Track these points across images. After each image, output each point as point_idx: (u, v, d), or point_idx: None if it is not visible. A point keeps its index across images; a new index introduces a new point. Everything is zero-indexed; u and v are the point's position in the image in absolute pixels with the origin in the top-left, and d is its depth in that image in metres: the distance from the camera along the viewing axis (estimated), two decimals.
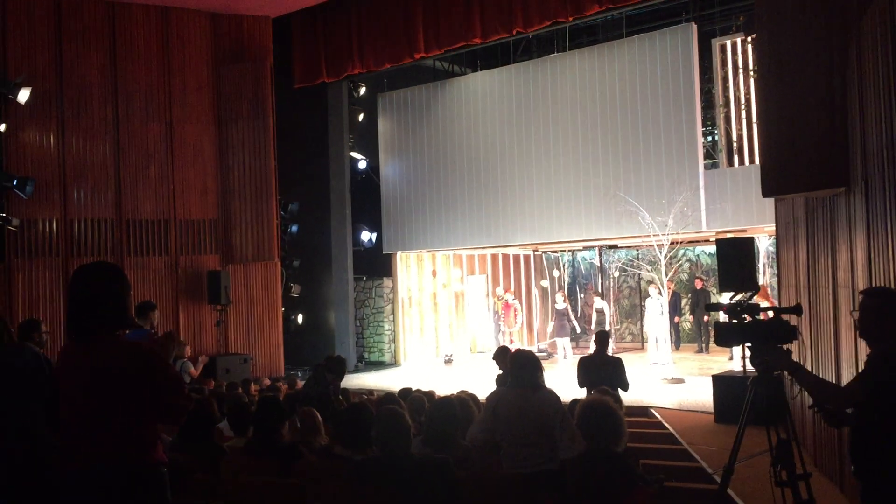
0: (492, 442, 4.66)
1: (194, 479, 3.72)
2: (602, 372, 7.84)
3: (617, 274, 18.92)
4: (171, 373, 3.00)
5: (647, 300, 14.90)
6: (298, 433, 5.06)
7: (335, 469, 4.30)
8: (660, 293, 14.86)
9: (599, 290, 18.30)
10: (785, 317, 4.07)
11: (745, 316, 4.09)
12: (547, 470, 4.40)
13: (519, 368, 4.76)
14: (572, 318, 16.29)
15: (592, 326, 15.50)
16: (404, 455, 3.92)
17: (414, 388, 9.03)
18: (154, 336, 3.26)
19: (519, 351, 5.07)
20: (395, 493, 3.65)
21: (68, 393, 2.86)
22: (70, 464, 2.82)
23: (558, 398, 4.65)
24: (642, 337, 17.56)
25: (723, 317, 4.33)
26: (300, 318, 15.99)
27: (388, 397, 6.33)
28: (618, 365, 8.02)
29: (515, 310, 16.85)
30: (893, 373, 3.36)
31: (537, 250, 19.46)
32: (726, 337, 4.22)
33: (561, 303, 15.90)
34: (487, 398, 4.91)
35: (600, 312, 15.89)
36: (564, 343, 15.73)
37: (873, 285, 4.84)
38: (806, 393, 3.66)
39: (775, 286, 11.68)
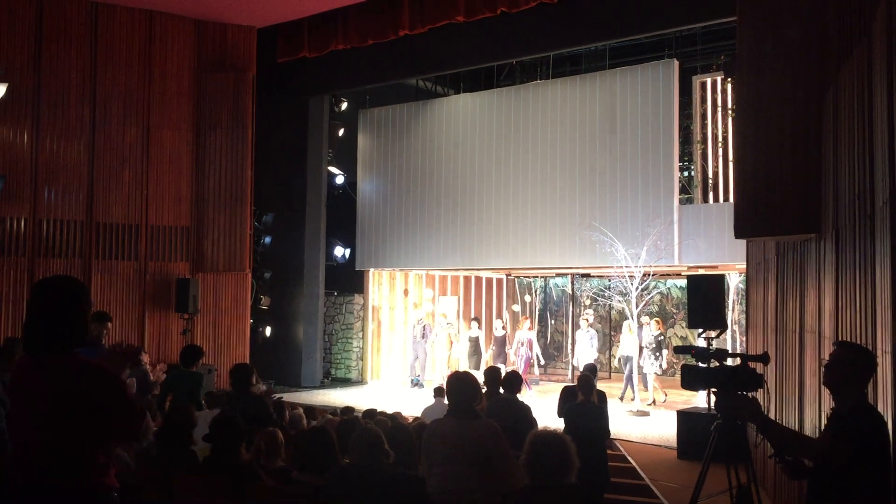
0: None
1: (145, 500, 3.64)
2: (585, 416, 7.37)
3: (588, 302, 18.96)
4: (127, 392, 2.93)
5: (578, 332, 14.64)
6: (256, 454, 4.98)
7: (293, 494, 4.23)
8: (590, 326, 14.82)
9: (475, 315, 17.48)
10: (752, 364, 4.08)
11: (713, 361, 4.10)
12: None
13: (451, 394, 4.42)
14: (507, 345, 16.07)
15: (572, 355, 15.26)
16: (378, 469, 3.97)
17: (379, 409, 8.98)
18: (109, 349, 3.18)
19: (454, 374, 4.67)
20: None
21: (24, 412, 2.77)
22: (17, 484, 2.74)
23: (497, 428, 4.33)
24: (610, 367, 17.58)
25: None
26: (268, 331, 15.84)
27: (349, 420, 6.24)
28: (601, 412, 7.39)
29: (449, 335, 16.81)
30: (867, 427, 3.39)
31: (510, 275, 19.47)
32: (692, 381, 4.22)
33: (500, 330, 15.61)
34: (424, 436, 4.53)
35: (474, 341, 15.59)
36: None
37: (840, 334, 4.88)
38: (767, 443, 3.66)
39: (743, 323, 11.77)
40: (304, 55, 15.12)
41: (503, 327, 15.87)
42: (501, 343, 15.40)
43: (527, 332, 15.27)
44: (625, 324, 14.43)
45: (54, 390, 2.76)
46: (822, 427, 3.92)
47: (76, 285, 3.00)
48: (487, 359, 15.36)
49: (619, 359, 14.32)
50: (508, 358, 15.33)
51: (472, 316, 16.76)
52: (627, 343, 14.01)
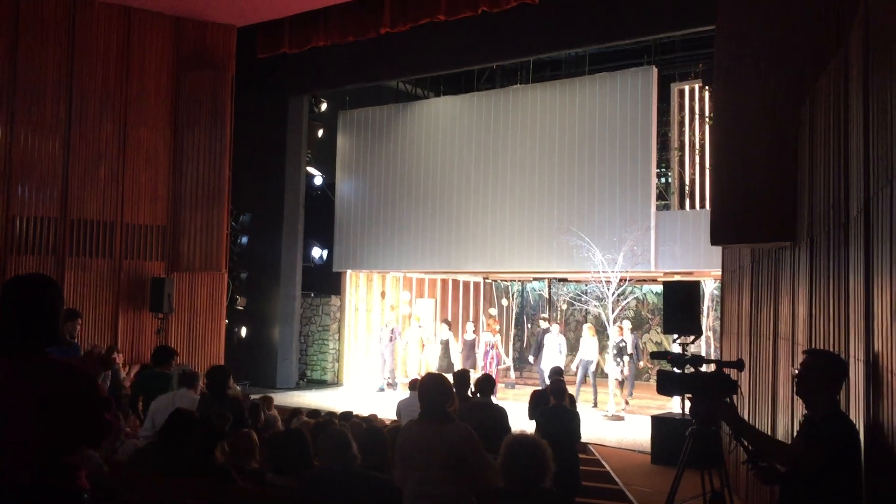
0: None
1: (117, 502, 3.60)
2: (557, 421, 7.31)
3: (565, 307, 19.04)
4: (101, 394, 2.90)
5: (546, 336, 14.36)
6: (231, 455, 4.94)
7: (267, 496, 4.21)
8: (561, 331, 14.62)
9: (445, 318, 16.50)
10: (726, 370, 4.11)
11: (689, 366, 4.13)
12: None
13: (423, 397, 4.36)
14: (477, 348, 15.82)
15: (535, 360, 15.12)
16: (346, 472, 3.96)
17: (352, 411, 8.97)
18: (87, 354, 3.17)
19: (426, 377, 4.62)
20: None
21: (11, 412, 2.72)
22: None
23: (470, 430, 4.29)
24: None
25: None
26: (244, 332, 15.75)
27: (324, 423, 6.21)
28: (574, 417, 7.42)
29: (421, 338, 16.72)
30: (840, 434, 3.44)
31: (487, 278, 19.51)
32: (667, 386, 4.25)
33: (470, 333, 15.46)
34: (398, 439, 4.47)
35: (444, 344, 15.12)
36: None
37: (813, 341, 4.93)
38: (741, 449, 3.69)
39: (718, 330, 11.87)
40: (284, 51, 14.95)
41: (473, 331, 15.77)
42: (471, 346, 15.24)
43: (491, 336, 15.23)
44: (585, 327, 14.30)
45: (39, 394, 2.71)
46: (795, 433, 3.96)
47: (51, 283, 2.96)
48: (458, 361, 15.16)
49: (579, 362, 13.93)
50: (478, 362, 15.20)
51: (442, 318, 16.63)
52: (588, 347, 13.85)
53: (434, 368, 15.16)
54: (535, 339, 15.09)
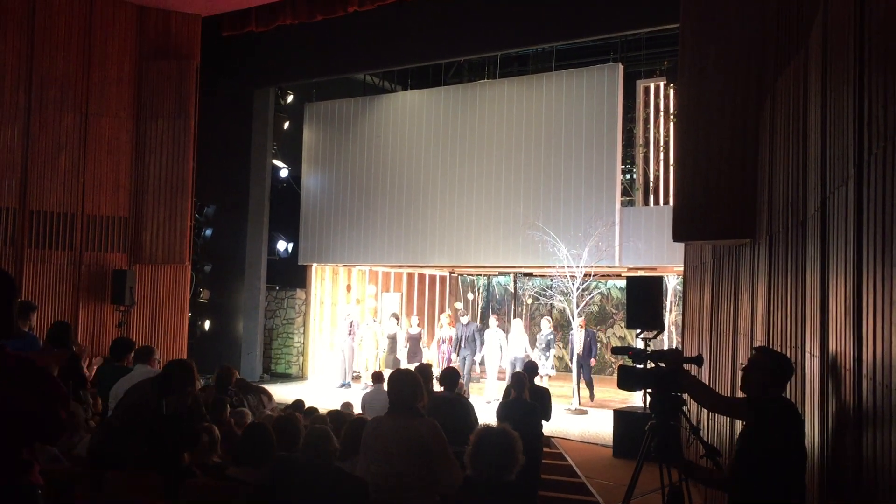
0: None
1: (74, 497, 3.55)
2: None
3: (530, 301, 19.12)
4: (60, 390, 2.86)
5: (487, 332, 14.12)
6: (196, 452, 4.88)
7: (228, 490, 4.18)
8: (499, 325, 14.26)
9: (394, 312, 16.31)
10: (687, 366, 4.16)
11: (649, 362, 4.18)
12: None
13: (392, 393, 4.40)
14: (423, 343, 15.68)
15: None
16: (325, 467, 4.01)
17: (316, 405, 8.90)
18: (44, 348, 3.11)
19: (395, 372, 4.66)
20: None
21: None
22: None
23: (437, 427, 4.32)
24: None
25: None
26: (207, 325, 15.59)
27: (287, 416, 6.16)
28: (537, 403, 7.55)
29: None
30: (786, 424, 3.51)
31: (453, 272, 19.53)
32: (628, 381, 4.29)
33: (415, 327, 15.35)
34: (364, 433, 4.50)
35: (392, 339, 14.85)
36: None
37: (771, 337, 5.01)
38: (699, 443, 3.74)
39: (680, 325, 12.01)
40: (251, 29, 14.70)
41: (418, 324, 15.66)
42: (416, 341, 15.03)
43: (448, 330, 15.13)
44: (514, 322, 14.25)
45: (10, 385, 2.66)
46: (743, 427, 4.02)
47: (2, 275, 2.90)
48: (404, 356, 14.95)
49: (504, 359, 13.73)
50: (423, 356, 14.99)
51: (392, 313, 16.37)
52: (516, 343, 13.69)
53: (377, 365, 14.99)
54: (456, 335, 14.92)
